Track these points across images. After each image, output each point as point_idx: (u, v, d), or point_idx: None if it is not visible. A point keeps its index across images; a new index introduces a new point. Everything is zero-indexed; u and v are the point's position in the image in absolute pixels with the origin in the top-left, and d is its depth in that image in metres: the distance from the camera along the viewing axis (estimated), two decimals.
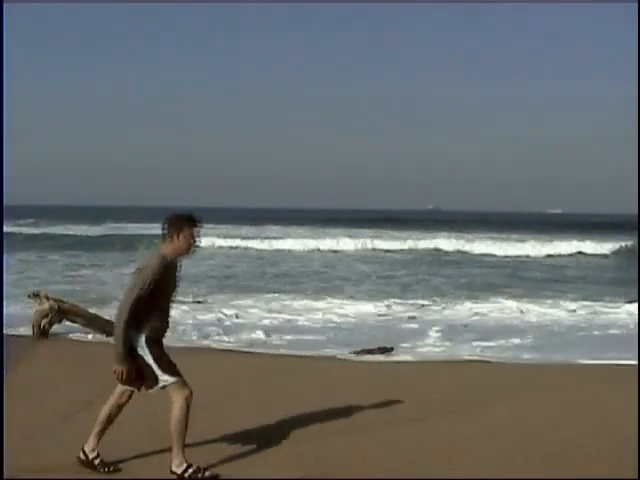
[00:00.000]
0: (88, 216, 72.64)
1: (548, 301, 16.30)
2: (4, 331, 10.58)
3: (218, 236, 36.29)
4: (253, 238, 38.62)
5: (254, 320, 13.37)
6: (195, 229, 5.22)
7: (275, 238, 38.45)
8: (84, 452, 5.40)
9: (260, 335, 11.81)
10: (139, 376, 5.25)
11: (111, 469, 5.35)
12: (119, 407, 5.47)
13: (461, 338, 11.76)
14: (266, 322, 13.23)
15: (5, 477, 5.11)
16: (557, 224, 70.94)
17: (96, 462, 5.35)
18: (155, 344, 5.20)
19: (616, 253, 34.26)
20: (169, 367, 5.27)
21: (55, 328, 11.09)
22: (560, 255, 33.33)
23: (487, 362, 9.89)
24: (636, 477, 5.23)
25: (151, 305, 5.10)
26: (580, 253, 34.21)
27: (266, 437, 6.06)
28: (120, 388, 5.38)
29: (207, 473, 5.23)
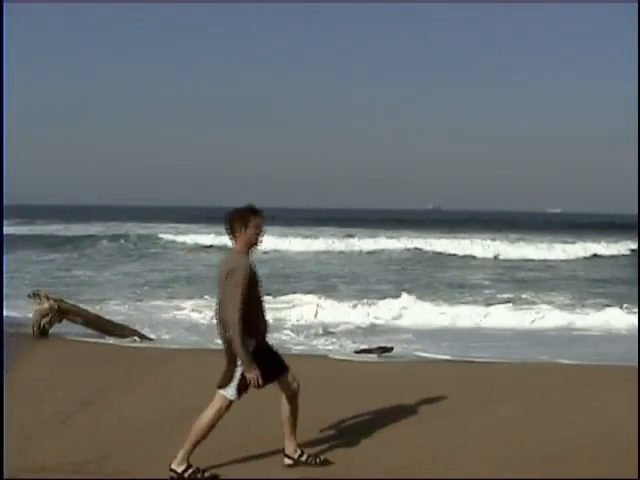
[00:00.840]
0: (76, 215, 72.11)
1: None
2: (4, 331, 10.57)
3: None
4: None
5: None
6: (259, 218, 5.25)
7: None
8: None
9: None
10: (266, 373, 5.26)
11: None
12: (293, 398, 5.58)
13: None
14: None
15: (5, 477, 5.11)
16: (562, 224, 70.66)
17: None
18: (258, 350, 5.19)
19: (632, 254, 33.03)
20: (243, 386, 5.24)
21: (55, 328, 11.09)
22: (577, 259, 31.80)
23: (487, 362, 9.89)
24: (636, 477, 5.23)
25: (247, 307, 5.09)
26: (596, 255, 32.81)
27: (266, 437, 6.05)
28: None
29: (206, 474, 5.23)
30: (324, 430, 6.30)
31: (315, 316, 14.29)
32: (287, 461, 5.47)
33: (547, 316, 14.43)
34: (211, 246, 34.01)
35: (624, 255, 33.27)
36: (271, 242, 34.69)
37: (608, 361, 10.03)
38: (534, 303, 16.34)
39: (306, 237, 38.42)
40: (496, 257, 31.81)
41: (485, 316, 14.44)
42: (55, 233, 41.49)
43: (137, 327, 11.99)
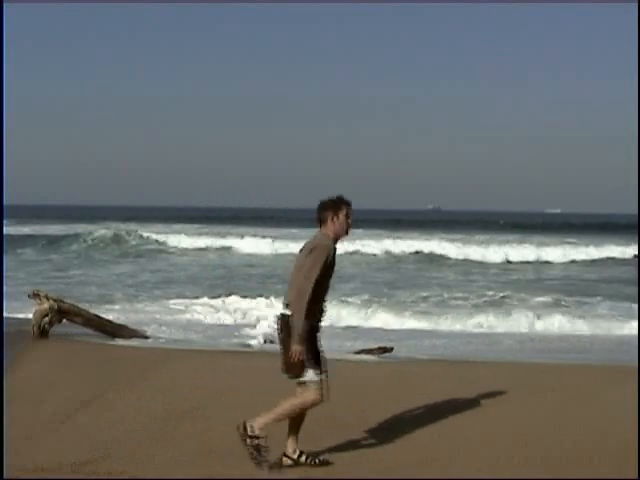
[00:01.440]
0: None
1: None
2: (4, 331, 10.56)
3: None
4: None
5: None
6: (350, 209, 5.34)
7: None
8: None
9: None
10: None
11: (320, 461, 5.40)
12: (313, 406, 5.49)
13: None
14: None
15: (5, 477, 5.11)
16: (562, 224, 70.45)
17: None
18: (311, 333, 5.23)
19: None
20: (317, 364, 5.29)
21: (55, 328, 11.08)
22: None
23: (487, 362, 9.89)
24: (636, 477, 5.23)
25: (317, 288, 5.15)
26: (610, 259, 31.13)
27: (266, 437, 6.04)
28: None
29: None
30: (323, 430, 6.29)
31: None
32: (286, 461, 5.46)
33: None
34: (206, 248, 33.68)
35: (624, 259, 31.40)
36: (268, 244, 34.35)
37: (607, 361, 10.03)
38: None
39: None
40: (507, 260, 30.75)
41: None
42: (41, 233, 41.13)
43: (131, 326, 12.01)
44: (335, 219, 5.29)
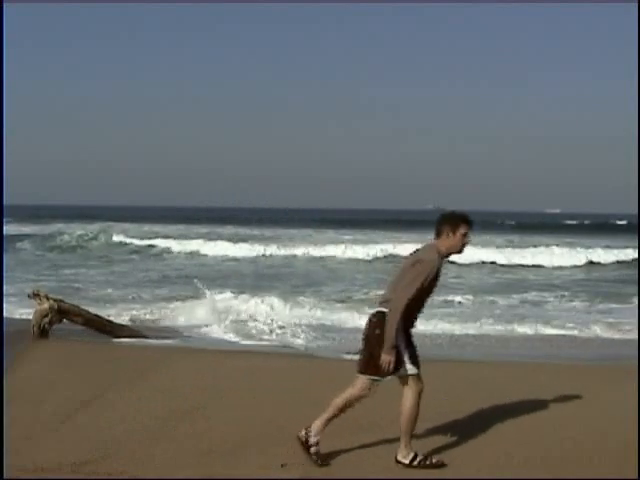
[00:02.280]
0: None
1: None
2: (4, 331, 10.57)
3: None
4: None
5: None
6: (469, 228, 5.34)
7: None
8: (307, 431, 5.45)
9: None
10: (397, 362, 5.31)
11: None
12: (359, 399, 5.55)
13: None
14: None
15: (5, 477, 5.11)
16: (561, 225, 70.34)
17: (312, 451, 5.38)
18: (408, 334, 5.33)
19: None
20: (415, 358, 5.36)
21: (55, 328, 11.08)
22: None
23: (487, 362, 9.89)
24: (636, 477, 5.24)
25: (416, 299, 5.21)
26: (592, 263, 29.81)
27: (266, 437, 6.05)
28: (361, 381, 5.43)
29: (434, 460, 5.37)
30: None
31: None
32: (313, 450, 5.51)
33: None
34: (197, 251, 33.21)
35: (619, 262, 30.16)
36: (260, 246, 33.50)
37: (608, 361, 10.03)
38: None
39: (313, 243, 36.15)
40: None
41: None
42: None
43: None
44: (451, 235, 5.29)
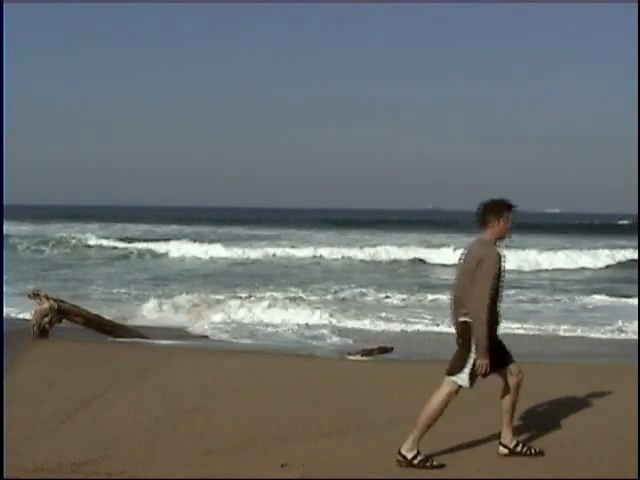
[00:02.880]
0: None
1: None
2: (4, 331, 10.57)
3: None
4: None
5: None
6: (512, 214, 5.37)
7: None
8: (503, 444, 5.55)
9: None
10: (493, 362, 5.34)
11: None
12: (517, 388, 5.60)
13: None
14: None
15: (5, 477, 5.11)
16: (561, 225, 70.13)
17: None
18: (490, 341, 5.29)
19: None
20: (475, 373, 5.37)
21: (55, 328, 11.08)
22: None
23: None
24: (636, 477, 5.23)
25: (491, 297, 5.22)
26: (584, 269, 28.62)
27: (266, 437, 6.05)
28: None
29: (434, 462, 5.38)
30: (323, 430, 6.29)
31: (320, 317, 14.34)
32: (502, 450, 5.59)
33: None
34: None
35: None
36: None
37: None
38: None
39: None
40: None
41: None
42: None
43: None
44: (496, 223, 5.32)
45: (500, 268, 5.27)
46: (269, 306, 15.03)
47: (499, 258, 5.26)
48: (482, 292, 5.15)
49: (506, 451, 5.58)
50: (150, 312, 14.37)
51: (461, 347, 5.36)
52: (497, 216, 5.31)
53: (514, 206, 5.38)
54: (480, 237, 5.40)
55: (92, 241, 36.00)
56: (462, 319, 5.35)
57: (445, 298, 17.71)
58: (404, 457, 5.36)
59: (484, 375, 5.34)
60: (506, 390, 5.62)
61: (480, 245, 5.36)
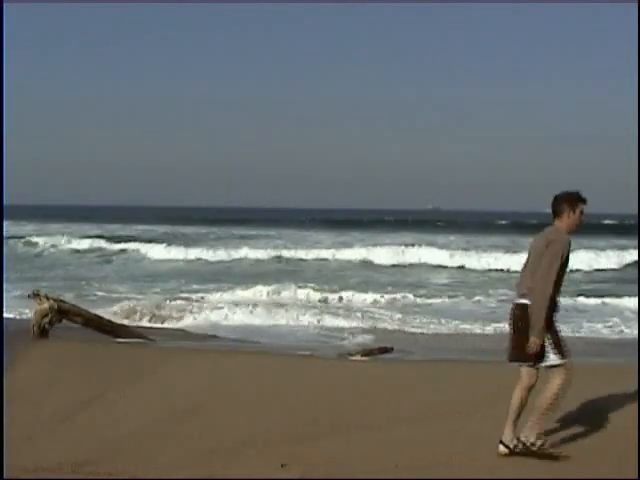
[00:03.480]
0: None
1: None
2: (4, 331, 10.57)
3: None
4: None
5: None
6: (584, 207, 5.49)
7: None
8: (504, 444, 5.53)
9: None
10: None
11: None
12: (529, 389, 5.57)
13: None
14: None
15: (5, 477, 5.11)
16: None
17: (518, 448, 5.45)
18: (550, 321, 5.36)
19: None
20: (559, 347, 5.40)
21: (55, 328, 11.08)
22: None
23: (487, 362, 9.89)
24: (636, 477, 5.23)
25: (555, 280, 5.30)
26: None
27: (266, 437, 6.05)
28: (526, 371, 5.50)
29: (550, 449, 5.46)
30: (323, 430, 6.29)
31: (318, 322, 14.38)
32: (502, 449, 5.56)
33: None
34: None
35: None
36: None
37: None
38: None
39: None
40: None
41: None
42: None
43: None
44: (571, 214, 5.44)
45: (568, 254, 5.36)
46: (267, 306, 15.05)
47: (568, 244, 5.37)
48: (547, 273, 5.26)
49: (506, 451, 5.58)
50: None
51: (522, 330, 5.38)
52: (571, 207, 5.45)
53: (586, 200, 5.51)
54: (552, 226, 5.51)
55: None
56: (521, 301, 5.42)
57: (439, 301, 17.92)
58: (524, 444, 5.44)
59: (531, 358, 5.36)
60: (521, 385, 5.61)
61: (550, 231, 5.48)
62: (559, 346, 5.41)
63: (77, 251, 32.58)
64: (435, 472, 5.33)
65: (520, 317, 5.41)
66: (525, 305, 5.39)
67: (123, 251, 32.42)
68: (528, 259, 5.53)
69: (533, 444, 5.42)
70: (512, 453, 5.53)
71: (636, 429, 6.05)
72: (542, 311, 5.27)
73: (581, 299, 17.79)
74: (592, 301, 17.80)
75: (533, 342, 5.30)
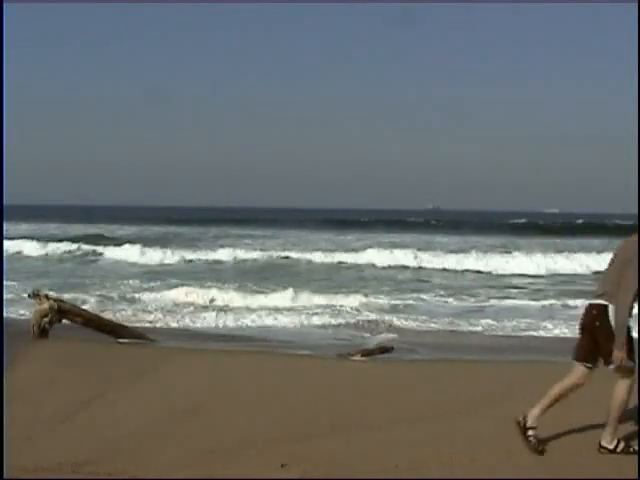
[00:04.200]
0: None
1: None
2: (4, 330, 10.57)
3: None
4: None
5: None
6: None
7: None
8: (525, 418, 5.66)
9: None
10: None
11: (539, 449, 5.58)
12: (575, 389, 5.71)
13: None
14: None
15: (5, 477, 5.11)
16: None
17: (530, 433, 5.60)
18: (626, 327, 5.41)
19: None
20: (630, 351, 5.44)
21: (55, 328, 11.08)
22: None
23: (487, 362, 9.90)
24: (636, 477, 5.24)
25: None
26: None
27: (266, 437, 6.05)
28: (581, 370, 5.62)
29: (636, 447, 5.53)
30: (323, 430, 6.29)
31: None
32: (520, 420, 5.68)
33: None
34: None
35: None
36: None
37: None
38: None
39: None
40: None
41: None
42: None
43: None
44: None
45: None
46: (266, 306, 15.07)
47: None
48: (628, 290, 5.30)
49: (523, 422, 5.67)
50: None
51: (597, 330, 5.44)
52: None
53: None
54: (633, 238, 5.51)
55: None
56: (598, 301, 5.46)
57: (428, 298, 17.93)
58: (606, 448, 5.58)
59: (616, 365, 5.40)
60: (570, 381, 5.70)
61: (633, 242, 5.47)
62: (630, 350, 5.45)
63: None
64: (435, 472, 5.33)
65: (597, 317, 5.47)
66: (602, 306, 5.44)
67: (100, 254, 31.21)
68: (613, 261, 5.55)
69: (617, 447, 5.58)
70: (522, 430, 5.64)
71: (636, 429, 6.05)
72: (625, 317, 5.33)
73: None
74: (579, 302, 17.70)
75: (616, 356, 5.36)
